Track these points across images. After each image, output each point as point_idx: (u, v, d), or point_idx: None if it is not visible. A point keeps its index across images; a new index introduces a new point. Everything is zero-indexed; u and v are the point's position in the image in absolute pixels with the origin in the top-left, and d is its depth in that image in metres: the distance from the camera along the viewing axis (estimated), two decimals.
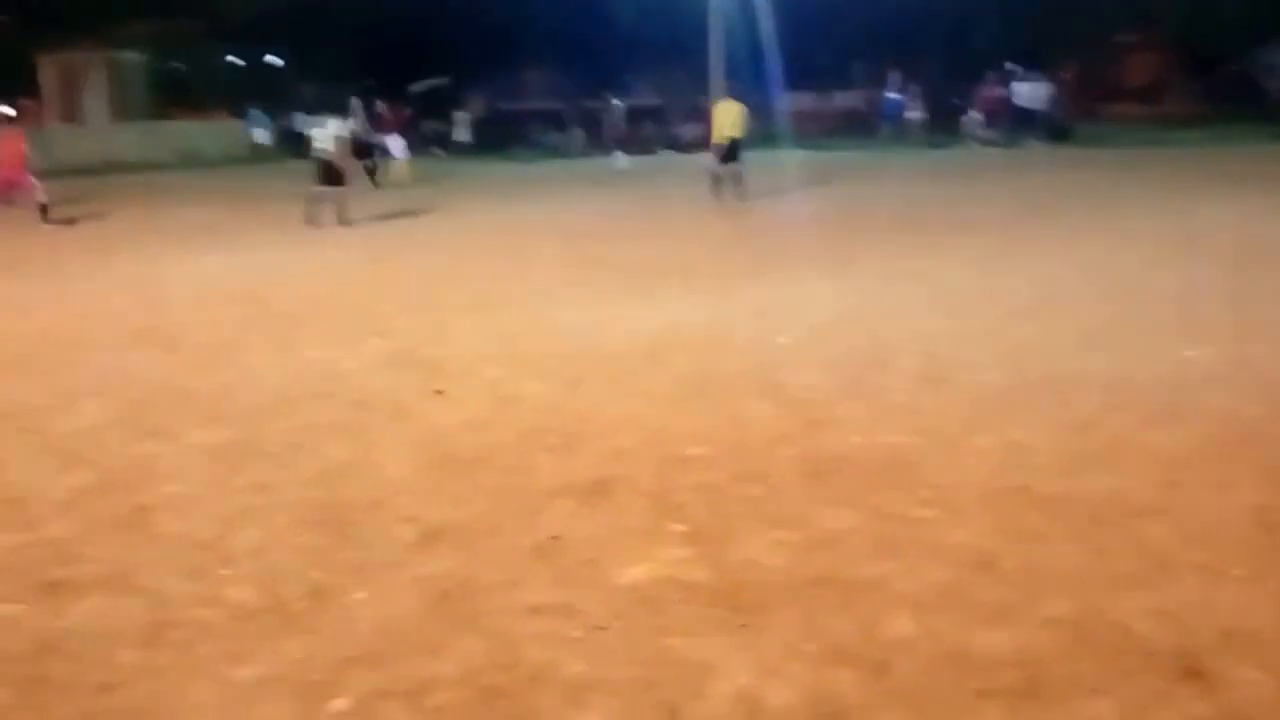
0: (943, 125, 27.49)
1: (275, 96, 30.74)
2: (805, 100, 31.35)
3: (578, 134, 31.50)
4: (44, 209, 14.65)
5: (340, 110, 22.97)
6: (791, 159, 21.02)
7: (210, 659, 3.03)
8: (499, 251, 11.64)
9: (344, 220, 13.90)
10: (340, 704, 2.80)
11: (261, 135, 29.85)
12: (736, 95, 16.69)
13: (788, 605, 3.25)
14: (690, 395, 5.61)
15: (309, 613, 3.30)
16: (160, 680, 2.93)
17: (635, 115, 29.45)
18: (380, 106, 22.77)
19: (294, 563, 3.66)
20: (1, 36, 31.74)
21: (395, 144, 21.19)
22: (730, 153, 15.85)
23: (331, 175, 14.15)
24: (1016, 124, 24.96)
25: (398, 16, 33.23)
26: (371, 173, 19.82)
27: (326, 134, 14.39)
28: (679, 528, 3.85)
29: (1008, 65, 25.71)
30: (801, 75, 28.94)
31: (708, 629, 3.13)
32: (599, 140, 27.48)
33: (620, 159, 22.15)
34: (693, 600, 3.30)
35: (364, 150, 20.13)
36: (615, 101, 25.19)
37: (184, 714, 2.77)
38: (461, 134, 28.76)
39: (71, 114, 29.75)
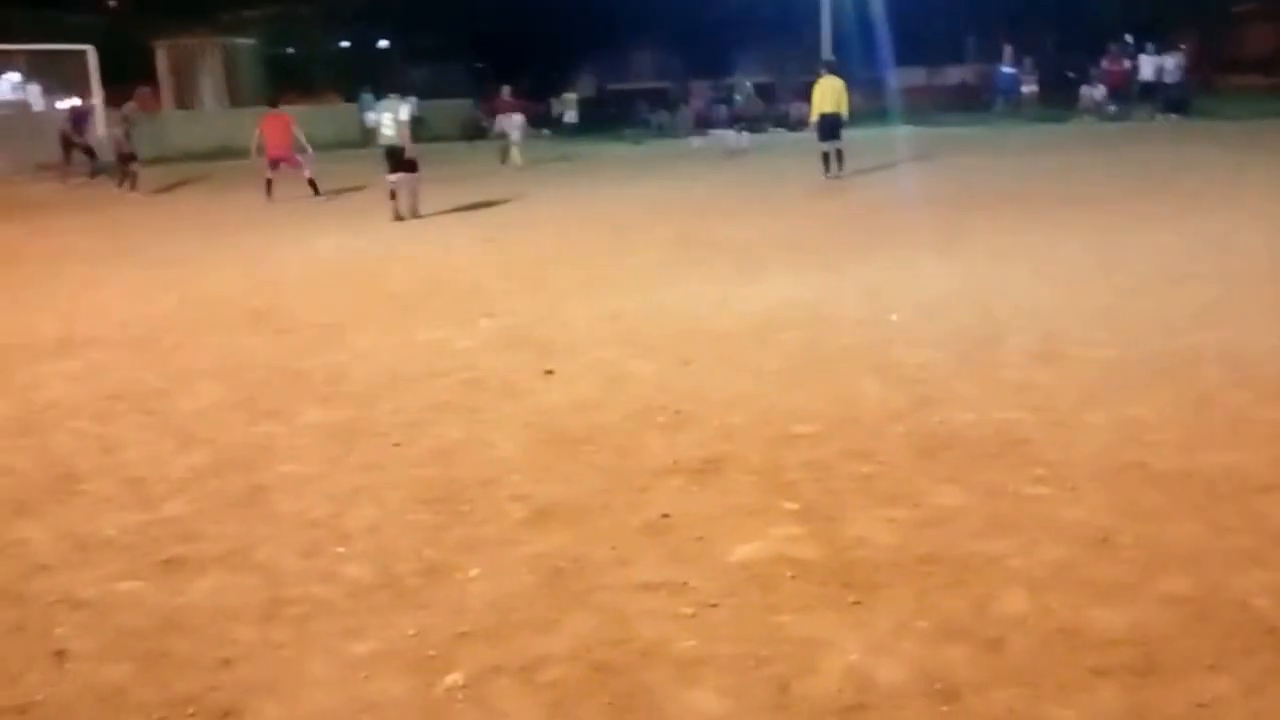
0: (1058, 99, 26.60)
1: (386, 80, 31.44)
2: (917, 75, 30.73)
3: (685, 113, 31.40)
4: (313, 184, 15.82)
5: (449, 91, 23.36)
6: (903, 135, 20.60)
7: (327, 634, 3.10)
8: (607, 232, 11.69)
9: (414, 211, 13.17)
10: (454, 679, 2.83)
11: (373, 119, 30.49)
12: (839, 71, 16.36)
13: (899, 583, 3.18)
14: (799, 373, 5.55)
15: (423, 589, 3.36)
16: (278, 655, 3.01)
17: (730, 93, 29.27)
18: (504, 90, 22.89)
19: (407, 540, 3.72)
20: (118, 23, 33.01)
21: (514, 125, 21.22)
22: (832, 129, 15.60)
23: (401, 162, 13.20)
24: (1141, 97, 23.94)
25: None
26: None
27: (391, 119, 13.26)
28: (789, 505, 3.81)
29: (1127, 38, 24.66)
30: (913, 50, 28.37)
31: (819, 606, 3.08)
32: (716, 120, 27.29)
33: (738, 139, 21.83)
34: (804, 578, 3.26)
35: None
36: (745, 81, 24.68)
37: (302, 688, 2.84)
38: (569, 115, 28.93)
39: (186, 100, 30.74)
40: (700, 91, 24.72)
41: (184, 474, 4.50)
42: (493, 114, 21.70)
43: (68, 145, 20.07)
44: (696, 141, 21.99)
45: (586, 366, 5.90)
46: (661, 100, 33.99)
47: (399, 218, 12.99)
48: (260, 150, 16.23)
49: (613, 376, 5.67)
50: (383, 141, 13.40)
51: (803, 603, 3.11)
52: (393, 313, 7.70)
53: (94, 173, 20.06)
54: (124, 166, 18.19)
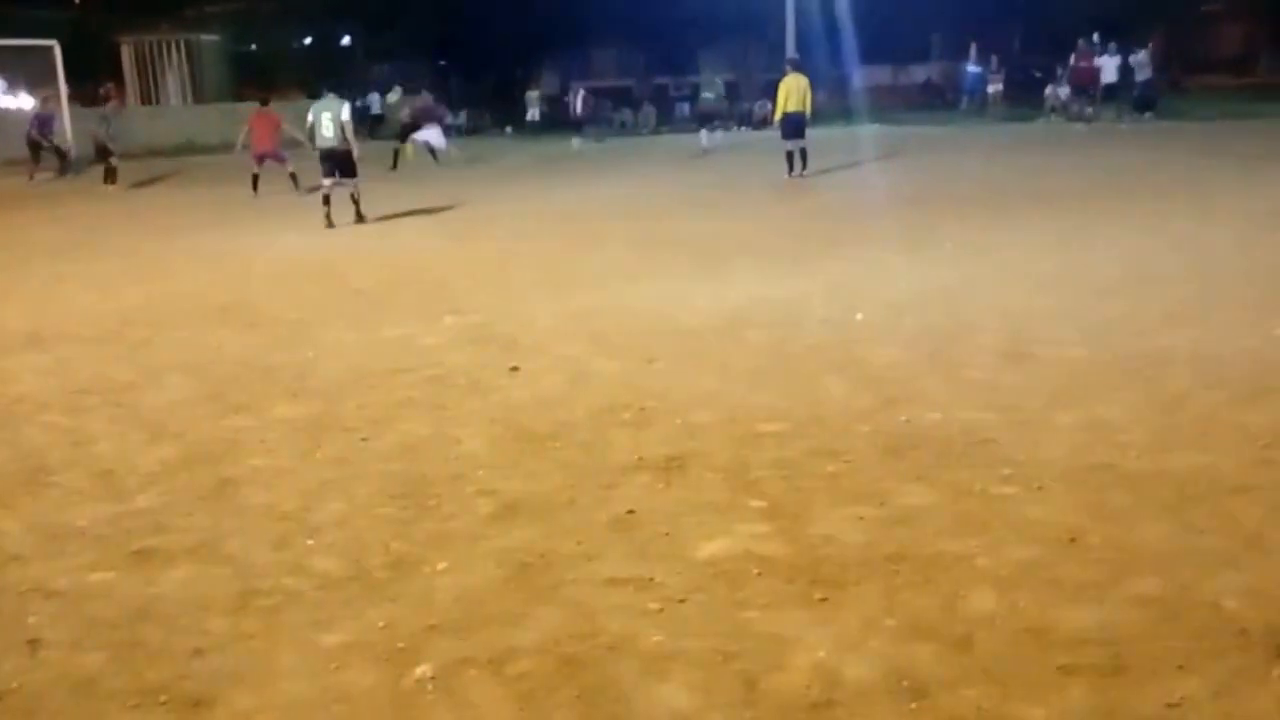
0: (1024, 98, 26.87)
1: (348, 77, 31.19)
2: (882, 74, 30.93)
3: (649, 112, 31.37)
4: (294, 178, 15.84)
5: (412, 89, 23.14)
6: (868, 134, 20.72)
7: (297, 626, 3.11)
8: (572, 230, 11.70)
9: (360, 216, 12.49)
10: (423, 670, 2.84)
11: (310, 119, 30.25)
12: (804, 70, 16.43)
13: (866, 580, 3.23)
14: (766, 371, 5.59)
15: (391, 582, 3.37)
16: (250, 646, 3.01)
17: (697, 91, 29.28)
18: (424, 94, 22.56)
19: (376, 534, 3.73)
20: (83, 19, 32.59)
21: (434, 133, 21.15)
22: (796, 128, 15.68)
23: (340, 166, 12.44)
24: (1106, 96, 24.03)
25: None
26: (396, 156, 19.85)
27: (330, 119, 12.36)
28: (756, 503, 3.85)
29: (1095, 37, 24.86)
30: (878, 48, 28.54)
31: (786, 603, 3.12)
32: (688, 118, 27.20)
33: (706, 137, 21.81)
34: (770, 575, 3.29)
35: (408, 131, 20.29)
36: (716, 78, 24.54)
37: (273, 678, 2.84)
38: (533, 113, 28.88)
39: (150, 96, 30.42)
40: (715, 86, 24.48)
41: (154, 467, 4.47)
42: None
43: (35, 147, 19.91)
44: (707, 139, 21.89)
45: (552, 364, 5.91)
46: (625, 98, 34.02)
47: (331, 224, 12.19)
48: (246, 145, 16.50)
49: (578, 374, 5.69)
50: (320, 144, 12.50)
51: (770, 599, 3.14)
52: (358, 309, 7.67)
53: (62, 170, 19.91)
54: (105, 161, 18.11)
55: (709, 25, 32.01)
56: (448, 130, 21.95)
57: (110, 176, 18.09)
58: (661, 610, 3.11)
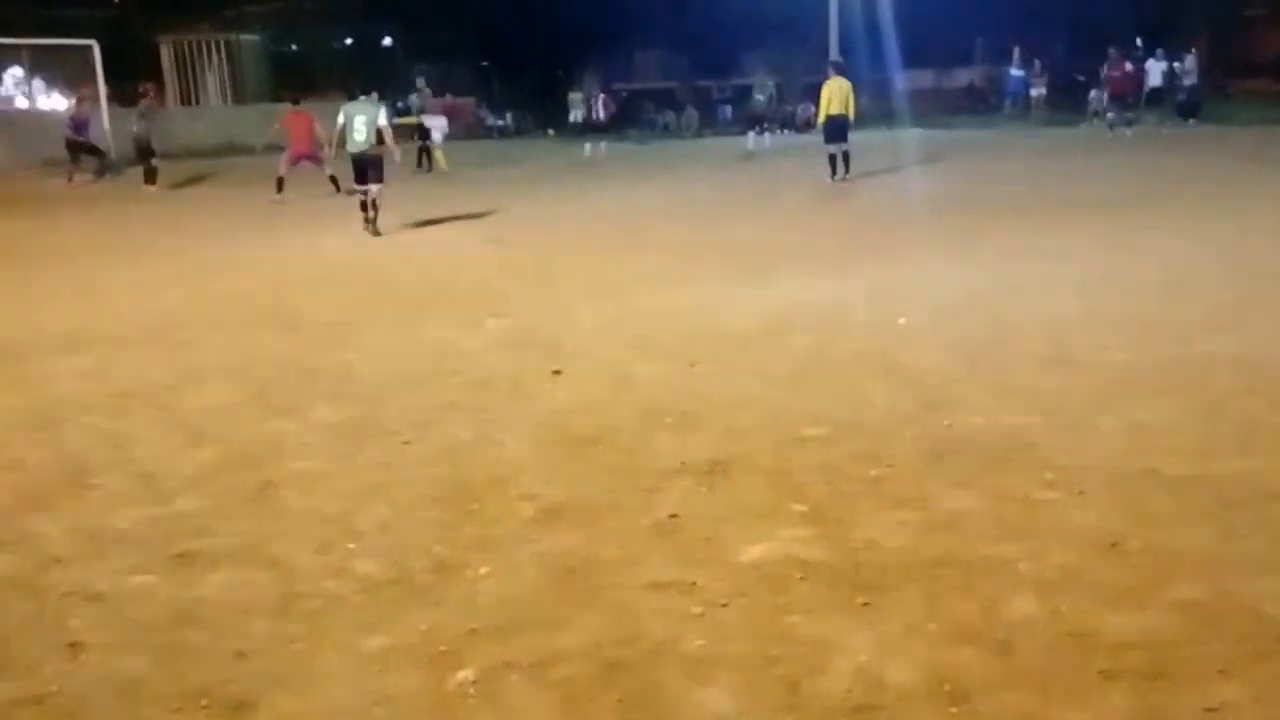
0: (1068, 102, 26.55)
1: (390, 78, 31.47)
2: (924, 78, 30.70)
3: (692, 114, 31.32)
4: (335, 180, 15.45)
5: (454, 90, 23.17)
6: (910, 138, 20.58)
7: (340, 629, 3.12)
8: (614, 233, 11.72)
9: (374, 226, 11.78)
10: (465, 674, 2.85)
11: (340, 122, 30.48)
12: (847, 73, 16.32)
13: (909, 585, 3.20)
14: (808, 376, 5.56)
15: (434, 586, 3.38)
16: (292, 649, 3.02)
17: (747, 93, 29.15)
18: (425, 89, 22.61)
19: (418, 537, 3.74)
20: (122, 19, 33.07)
21: (438, 126, 21.13)
22: (839, 132, 15.59)
23: (372, 170, 11.86)
24: (1150, 100, 23.55)
25: None
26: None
27: (364, 123, 11.80)
28: (798, 507, 3.82)
29: (1139, 42, 24.40)
30: (921, 52, 28.33)
31: (828, 607, 3.10)
32: (731, 121, 26.96)
33: (754, 140, 21.67)
34: (813, 579, 3.27)
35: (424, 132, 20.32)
36: (768, 80, 24.22)
37: (316, 681, 2.86)
38: (575, 115, 28.98)
39: (190, 96, 30.74)
40: (765, 88, 24.10)
41: (195, 469, 4.51)
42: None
43: (74, 148, 20.19)
44: (751, 141, 21.75)
45: (594, 367, 5.92)
46: (668, 100, 34.02)
47: (378, 232, 11.78)
48: (277, 145, 16.38)
49: (620, 377, 5.69)
50: (351, 148, 11.90)
51: (812, 604, 3.12)
52: (400, 312, 7.72)
53: (101, 171, 20.16)
54: (145, 162, 18.37)
55: (752, 28, 31.95)
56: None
57: (150, 177, 18.28)
58: (704, 614, 3.10)
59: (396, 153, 12.43)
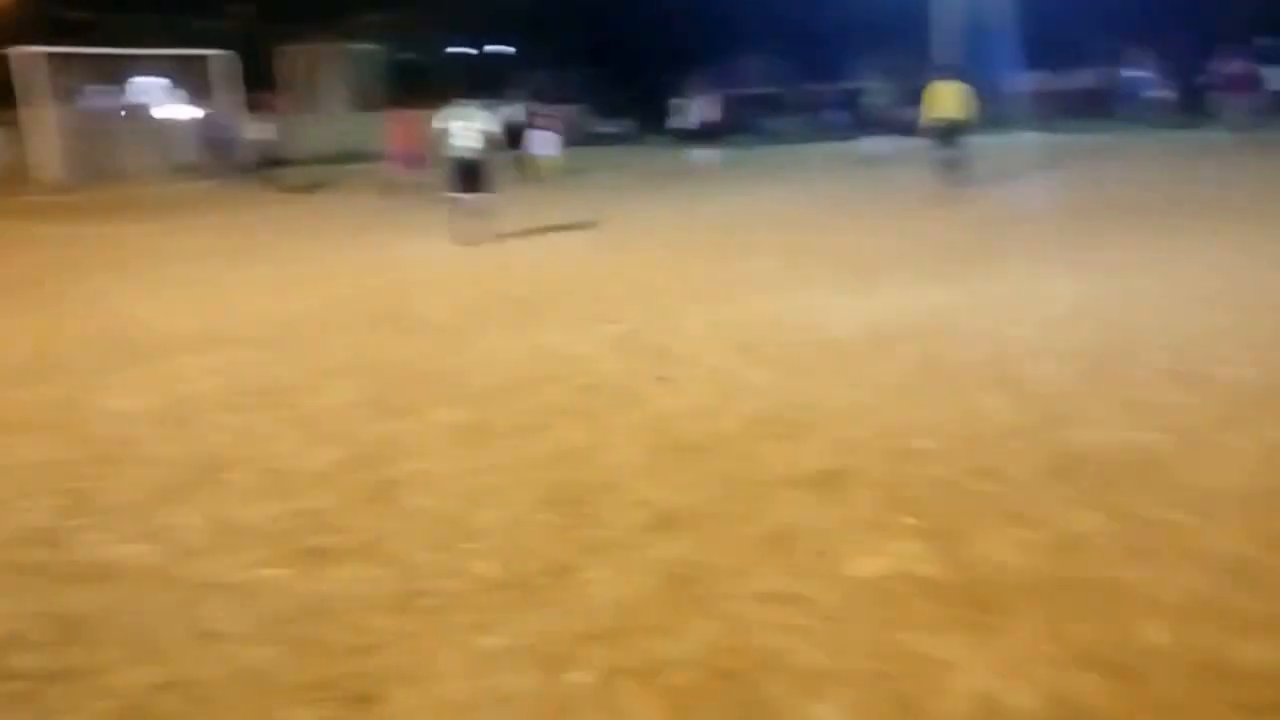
0: (1190, 105, 25.53)
1: (505, 86, 31.95)
2: (1039, 79, 29.89)
3: (799, 119, 31.07)
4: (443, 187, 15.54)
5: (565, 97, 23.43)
6: (1024, 142, 20.08)
7: (458, 627, 3.20)
8: (721, 239, 11.71)
9: (484, 236, 11.57)
10: (579, 677, 2.90)
11: (439, 127, 30.96)
12: (958, 76, 16.00)
13: (1029, 606, 3.13)
14: (919, 386, 5.49)
15: (548, 588, 3.43)
16: (412, 645, 3.11)
17: (855, 97, 28.77)
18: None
19: (533, 540, 3.81)
20: (248, 29, 34.28)
21: (548, 142, 21.24)
22: (950, 136, 15.29)
23: (475, 179, 11.62)
24: (1274, 103, 22.33)
25: (624, 2, 33.81)
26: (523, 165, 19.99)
27: (468, 128, 11.56)
28: (911, 522, 3.78)
29: (1256, 41, 23.20)
30: (1036, 52, 27.60)
31: (944, 626, 3.06)
32: (843, 125, 26.54)
33: (870, 145, 21.36)
34: (928, 596, 3.23)
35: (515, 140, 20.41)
36: (885, 84, 23.75)
37: (435, 678, 2.93)
38: (679, 120, 29.00)
39: (311, 104, 31.76)
40: (880, 92, 23.47)
41: (320, 467, 4.67)
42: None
43: (211, 149, 21.03)
44: (868, 145, 21.41)
45: (702, 374, 5.94)
46: (774, 105, 33.79)
47: (473, 241, 11.52)
48: (390, 149, 16.59)
49: (728, 384, 5.69)
50: (453, 153, 11.59)
51: (928, 621, 3.08)
52: (511, 317, 7.85)
53: (231, 177, 21.01)
54: (270, 169, 19.13)
55: (862, 29, 31.56)
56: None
57: (277, 183, 19.04)
58: (816, 628, 3.09)
59: (499, 160, 12.19)
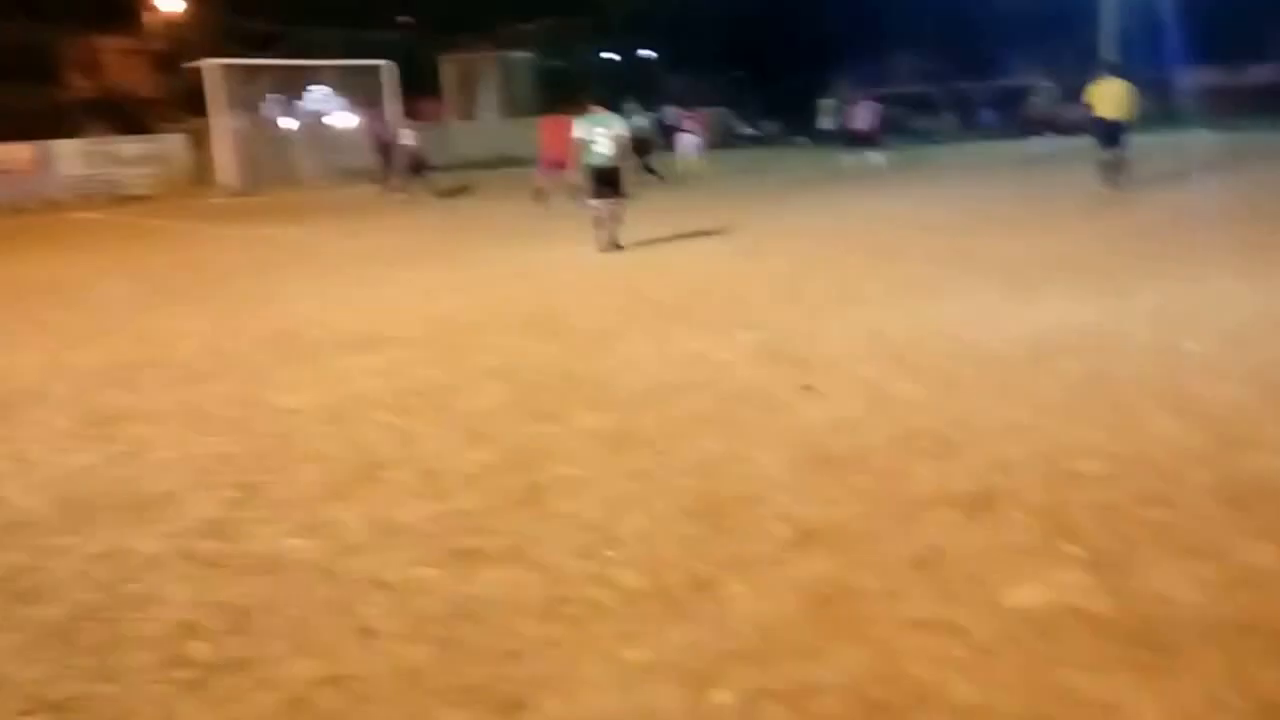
0: None
1: (650, 90, 32.14)
2: (1212, 75, 28.33)
3: (950, 119, 30.33)
4: (565, 193, 15.68)
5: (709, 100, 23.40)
6: (1195, 141, 19.05)
7: (602, 637, 3.20)
8: (866, 244, 11.49)
9: (612, 242, 11.69)
10: (723, 697, 2.85)
11: (581, 136, 31.20)
12: (1123, 73, 15.28)
13: (1206, 648, 2.93)
14: (1081, 404, 5.24)
15: (690, 601, 3.40)
16: (558, 653, 3.12)
17: (1011, 95, 27.86)
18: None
19: (675, 550, 3.78)
20: (413, 40, 35.52)
21: (692, 145, 21.06)
22: (1113, 136, 14.62)
23: (610, 184, 11.70)
24: None
25: (765, 5, 33.62)
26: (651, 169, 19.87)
27: (606, 135, 11.65)
28: (1073, 550, 3.60)
29: None
30: (1207, 47, 26.13)
31: (1110, 665, 2.89)
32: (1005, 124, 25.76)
33: (1037, 144, 20.70)
34: (1092, 631, 3.07)
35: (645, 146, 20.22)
36: (1045, 83, 22.90)
37: (581, 687, 2.93)
38: (827, 122, 28.64)
39: (467, 111, 32.77)
40: (1045, 91, 22.47)
41: (472, 469, 4.76)
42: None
43: (385, 154, 21.78)
44: (1031, 146, 20.77)
45: (847, 384, 5.81)
46: (925, 104, 33.01)
47: (614, 246, 11.68)
48: (541, 155, 16.85)
49: (875, 396, 5.56)
50: (594, 161, 11.69)
51: (1093, 659, 2.92)
52: (653, 322, 7.86)
53: (404, 180, 21.71)
54: (419, 175, 19.85)
55: (1017, 25, 30.50)
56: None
57: (434, 189, 19.71)
58: (971, 660, 2.96)
59: (630, 165, 12.19)
